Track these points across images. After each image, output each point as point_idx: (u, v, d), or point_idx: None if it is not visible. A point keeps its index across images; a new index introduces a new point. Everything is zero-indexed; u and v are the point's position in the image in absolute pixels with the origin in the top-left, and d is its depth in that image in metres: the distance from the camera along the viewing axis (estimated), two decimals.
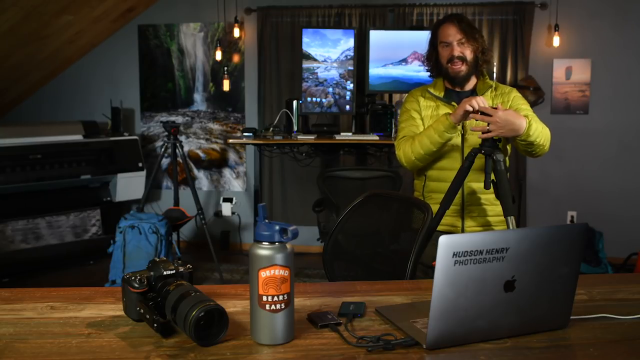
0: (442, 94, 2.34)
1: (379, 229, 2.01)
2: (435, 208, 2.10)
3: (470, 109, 2.04)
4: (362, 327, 1.20)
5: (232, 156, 5.15)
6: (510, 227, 2.15)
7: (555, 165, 4.67)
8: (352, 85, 4.39)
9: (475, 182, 2.26)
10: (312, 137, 4.20)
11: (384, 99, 4.57)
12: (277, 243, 1.10)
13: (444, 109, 2.30)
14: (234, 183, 5.17)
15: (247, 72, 5.01)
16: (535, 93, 4.52)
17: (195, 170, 5.18)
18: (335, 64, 4.39)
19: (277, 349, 1.09)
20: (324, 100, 4.40)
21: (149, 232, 3.82)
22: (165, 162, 5.08)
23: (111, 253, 3.85)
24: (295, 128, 4.37)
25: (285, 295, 1.11)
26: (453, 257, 1.04)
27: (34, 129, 4.46)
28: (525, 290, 1.11)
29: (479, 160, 2.19)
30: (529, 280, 1.11)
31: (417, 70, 4.31)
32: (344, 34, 4.40)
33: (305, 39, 4.37)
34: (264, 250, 1.10)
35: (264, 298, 1.10)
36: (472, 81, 2.36)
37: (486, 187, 2.13)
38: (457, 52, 2.27)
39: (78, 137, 4.56)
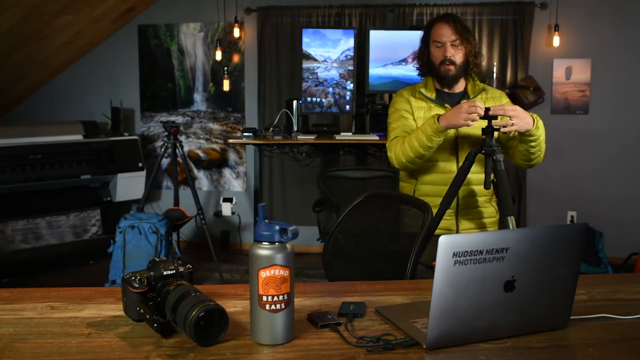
0: (434, 95, 2.31)
1: (379, 229, 2.01)
2: None
3: (472, 123, 2.04)
4: (362, 327, 1.20)
5: (232, 156, 5.15)
6: (510, 227, 2.15)
7: (555, 166, 4.67)
8: (352, 85, 4.39)
9: (471, 184, 2.25)
10: (312, 137, 4.20)
11: (384, 99, 4.57)
12: (277, 243, 1.10)
13: (436, 111, 2.27)
14: (234, 183, 5.17)
15: (247, 72, 5.02)
16: (535, 93, 4.52)
17: (195, 170, 5.18)
18: (335, 64, 4.39)
19: (277, 349, 1.09)
20: (324, 100, 4.40)
21: (149, 232, 3.82)
22: (165, 162, 5.08)
23: (111, 253, 3.85)
24: (295, 128, 4.37)
25: (285, 295, 1.11)
26: (453, 257, 1.04)
27: (34, 129, 4.46)
28: (525, 290, 1.11)
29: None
30: (529, 280, 1.11)
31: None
32: (344, 34, 4.40)
33: (305, 39, 4.37)
34: (264, 250, 1.10)
35: (264, 298, 1.10)
36: (461, 83, 2.34)
37: (486, 187, 2.13)
38: (449, 53, 2.25)
39: (78, 137, 4.56)
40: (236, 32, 4.87)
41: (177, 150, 4.27)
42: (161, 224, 3.89)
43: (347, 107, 4.41)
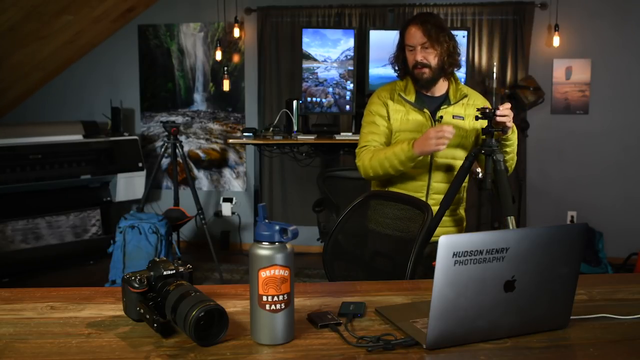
0: (413, 98, 2.25)
1: (379, 229, 2.01)
2: None
3: (443, 147, 2.03)
4: (362, 327, 1.20)
5: (232, 156, 5.15)
6: (510, 227, 2.16)
7: (555, 166, 4.67)
8: (352, 85, 4.39)
9: (439, 183, 2.24)
10: (312, 137, 4.20)
11: None
12: (277, 243, 1.10)
13: (415, 115, 2.22)
14: (234, 183, 5.17)
15: (247, 72, 5.01)
16: (535, 93, 4.52)
17: (195, 170, 5.18)
18: (335, 64, 4.39)
19: (277, 349, 1.09)
20: (324, 100, 4.40)
21: (149, 232, 3.82)
22: (165, 162, 5.08)
23: (111, 253, 3.85)
24: (295, 128, 4.37)
25: (285, 295, 1.11)
26: (453, 257, 1.04)
27: (34, 129, 4.46)
28: (525, 290, 1.11)
29: (443, 160, 2.20)
30: (529, 280, 1.11)
31: None
32: (344, 34, 4.40)
33: (305, 39, 4.37)
34: (264, 250, 1.10)
35: (264, 298, 1.10)
36: (442, 85, 2.27)
37: (486, 186, 2.13)
38: (419, 57, 2.19)
39: (78, 137, 4.56)
40: (236, 32, 4.87)
41: (177, 150, 4.27)
42: (161, 224, 3.89)
43: (347, 107, 4.41)
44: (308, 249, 4.60)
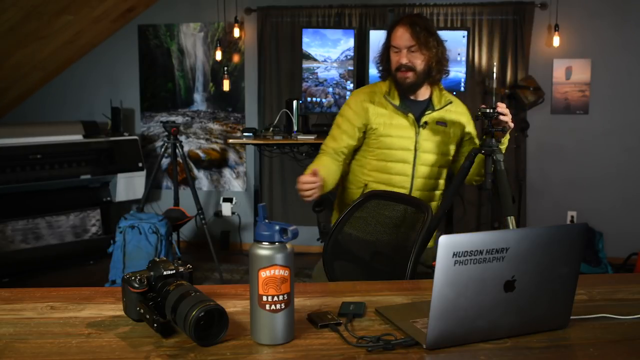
0: (398, 102, 2.17)
1: (379, 229, 2.00)
2: None
3: (309, 199, 1.96)
4: (362, 327, 1.20)
5: (232, 156, 5.15)
6: (510, 227, 2.16)
7: (555, 165, 4.67)
8: (352, 85, 4.38)
9: (420, 191, 2.20)
10: (312, 137, 4.20)
11: None
12: (277, 243, 1.10)
13: (398, 120, 2.15)
14: (234, 183, 5.17)
15: (247, 72, 5.01)
16: (535, 93, 4.52)
17: (195, 170, 5.18)
18: (335, 64, 4.39)
19: (277, 349, 1.09)
20: (324, 100, 4.40)
21: (149, 232, 3.82)
22: (165, 162, 5.08)
23: (111, 253, 3.85)
24: (295, 128, 4.37)
25: (285, 295, 1.11)
26: (453, 257, 1.04)
27: (34, 129, 4.46)
28: (525, 290, 1.11)
29: (424, 168, 2.14)
30: (529, 280, 1.11)
31: None
32: (344, 34, 4.40)
33: (305, 39, 4.37)
34: (264, 250, 1.10)
35: (264, 298, 1.10)
36: (426, 91, 2.20)
37: (486, 186, 2.13)
38: (404, 59, 2.11)
39: (78, 137, 4.56)
40: (236, 32, 4.87)
41: (177, 150, 4.27)
42: (161, 224, 3.89)
43: None
44: (308, 249, 4.60)
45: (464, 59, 4.27)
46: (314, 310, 1.27)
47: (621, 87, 4.54)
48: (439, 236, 1.05)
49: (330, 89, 4.39)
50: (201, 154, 5.18)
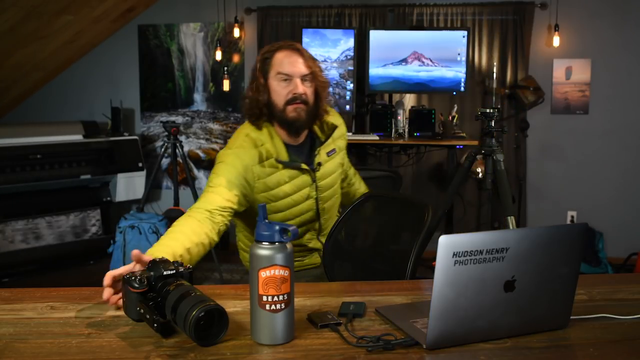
0: (286, 156, 1.80)
1: (379, 229, 2.01)
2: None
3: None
4: (362, 327, 1.20)
5: None
6: (510, 227, 2.16)
7: (555, 166, 4.67)
8: (352, 85, 4.39)
9: (327, 220, 2.00)
10: None
11: (384, 99, 4.57)
12: (277, 243, 1.10)
13: (292, 175, 1.80)
14: None
15: (247, 72, 5.01)
16: (535, 93, 4.52)
17: (195, 170, 5.18)
18: (335, 64, 4.39)
19: (277, 349, 1.09)
20: None
21: (149, 232, 3.82)
22: (165, 162, 5.08)
23: (111, 253, 3.85)
24: None
25: (285, 295, 1.11)
26: (453, 257, 1.04)
27: (34, 129, 4.46)
28: (525, 290, 1.11)
29: (329, 203, 1.94)
30: (529, 280, 1.11)
31: (417, 71, 4.32)
32: (344, 34, 4.40)
33: (305, 39, 4.37)
34: (264, 250, 1.10)
35: (264, 298, 1.10)
36: (305, 130, 1.87)
37: (486, 186, 2.13)
38: (300, 89, 1.76)
39: (78, 137, 4.56)
40: (236, 32, 4.87)
41: (177, 150, 4.27)
42: (161, 224, 3.89)
43: (347, 107, 4.41)
44: None
45: (464, 59, 4.28)
46: (314, 310, 1.27)
47: (621, 87, 4.54)
48: (438, 236, 1.05)
49: (330, 89, 4.38)
50: (201, 154, 5.18)
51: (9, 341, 1.12)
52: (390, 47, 4.35)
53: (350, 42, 4.37)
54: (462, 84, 4.30)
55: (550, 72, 4.61)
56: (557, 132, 4.65)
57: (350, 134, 4.33)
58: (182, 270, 1.23)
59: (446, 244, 1.04)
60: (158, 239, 3.81)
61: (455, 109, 4.38)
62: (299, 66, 1.76)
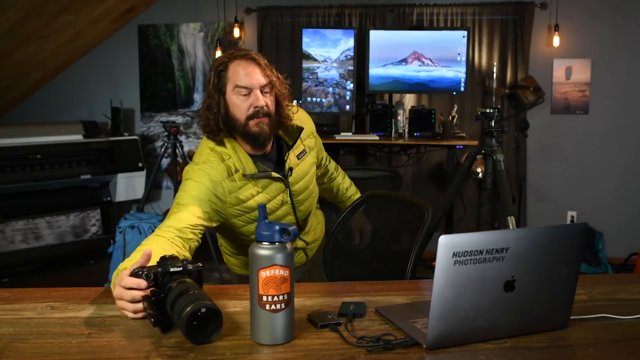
0: (253, 168, 1.72)
1: (379, 229, 2.01)
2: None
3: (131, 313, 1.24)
4: (362, 327, 1.20)
5: None
6: (510, 227, 2.16)
7: (555, 166, 4.67)
8: (352, 85, 4.39)
9: (307, 224, 1.94)
10: None
11: (384, 99, 4.57)
12: (277, 243, 1.10)
13: (263, 185, 1.73)
14: None
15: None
16: (535, 93, 4.52)
17: None
18: (335, 64, 4.39)
19: (277, 349, 1.09)
20: (324, 100, 4.40)
21: (149, 232, 3.82)
22: (165, 162, 5.08)
23: (111, 253, 3.85)
24: None
25: (285, 295, 1.11)
26: (453, 257, 1.04)
27: (34, 129, 4.46)
28: (525, 290, 1.11)
29: (305, 207, 1.87)
30: (529, 280, 1.11)
31: (417, 71, 4.32)
32: (344, 34, 4.40)
33: (305, 39, 4.37)
34: (264, 250, 1.10)
35: (264, 298, 1.10)
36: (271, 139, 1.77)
37: (486, 186, 2.13)
38: (261, 101, 1.67)
39: (78, 137, 4.56)
40: (236, 32, 4.86)
41: (177, 150, 4.27)
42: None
43: (347, 107, 4.41)
44: None
45: (464, 59, 4.28)
46: (314, 310, 1.27)
47: (621, 87, 4.54)
48: (438, 236, 1.05)
49: (330, 89, 4.39)
50: None
51: (9, 341, 1.12)
52: (390, 47, 4.35)
53: (350, 42, 4.37)
54: (462, 84, 4.30)
55: (550, 72, 4.61)
56: (557, 132, 4.65)
57: (350, 134, 4.33)
58: (191, 268, 1.23)
59: (446, 244, 1.04)
60: None
61: (455, 109, 4.38)
62: (257, 77, 1.67)
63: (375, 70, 4.36)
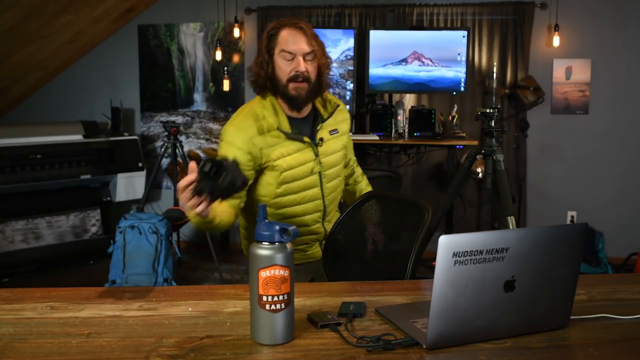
0: (289, 128, 1.86)
1: (379, 229, 2.00)
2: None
3: (191, 204, 1.42)
4: (362, 327, 1.20)
5: None
6: (510, 227, 2.16)
7: (555, 165, 4.67)
8: (352, 85, 4.39)
9: (332, 204, 2.01)
10: None
11: (384, 99, 4.57)
12: (277, 243, 1.10)
13: (295, 147, 1.85)
14: None
15: (247, 72, 5.01)
16: (535, 93, 4.52)
17: None
18: (335, 64, 4.39)
19: (277, 349, 1.09)
20: None
21: (149, 232, 3.82)
22: (165, 162, 5.08)
23: (111, 253, 3.85)
24: None
25: (285, 295, 1.11)
26: (453, 257, 1.04)
27: (34, 129, 4.46)
28: (525, 290, 1.11)
29: (331, 183, 1.95)
30: (529, 280, 1.11)
31: (417, 71, 4.32)
32: (344, 34, 4.40)
33: None
34: (264, 250, 1.10)
35: (264, 298, 1.10)
36: (309, 105, 1.93)
37: (486, 186, 2.13)
38: (302, 67, 1.81)
39: (78, 137, 4.56)
40: (236, 32, 4.87)
41: (177, 150, 4.27)
42: (161, 224, 3.89)
43: (347, 107, 4.40)
44: None
45: (464, 59, 4.28)
46: (314, 310, 1.27)
47: (621, 87, 4.54)
48: (438, 236, 1.05)
49: (330, 90, 4.38)
50: (201, 154, 5.18)
51: (9, 341, 1.12)
52: (390, 47, 4.35)
53: (350, 42, 4.37)
54: (462, 84, 4.30)
55: (550, 72, 4.61)
56: (557, 132, 4.65)
57: (350, 133, 4.32)
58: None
59: (446, 244, 1.04)
60: (158, 238, 3.82)
61: (455, 109, 4.38)
62: (302, 44, 1.82)
63: (375, 70, 4.36)
